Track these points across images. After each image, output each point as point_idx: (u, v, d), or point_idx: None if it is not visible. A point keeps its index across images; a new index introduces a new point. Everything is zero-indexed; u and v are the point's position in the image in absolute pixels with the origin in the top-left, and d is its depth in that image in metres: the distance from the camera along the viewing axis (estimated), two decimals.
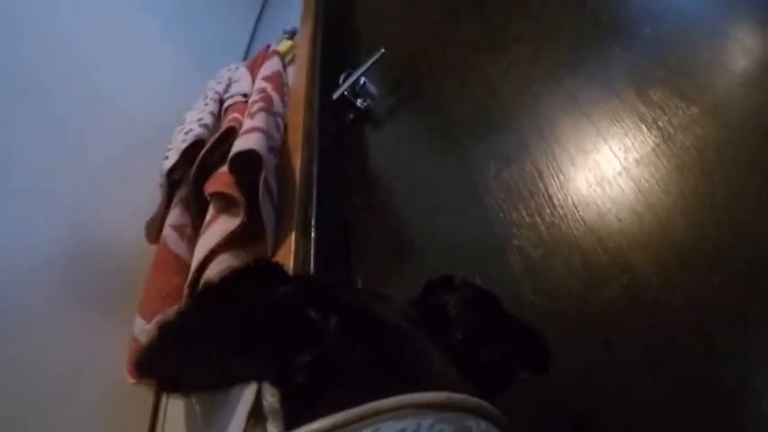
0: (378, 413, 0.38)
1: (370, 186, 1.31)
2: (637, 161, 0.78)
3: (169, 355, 0.49)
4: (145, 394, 1.08)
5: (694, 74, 0.78)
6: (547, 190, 0.89)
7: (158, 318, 0.99)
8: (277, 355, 0.47)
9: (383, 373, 0.46)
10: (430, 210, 1.11)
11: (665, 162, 0.75)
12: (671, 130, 0.76)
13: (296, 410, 0.46)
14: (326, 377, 0.44)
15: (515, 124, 1.01)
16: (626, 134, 0.82)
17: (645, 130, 0.79)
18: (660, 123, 0.78)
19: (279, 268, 0.54)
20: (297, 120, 1.34)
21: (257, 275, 0.52)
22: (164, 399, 1.09)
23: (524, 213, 0.90)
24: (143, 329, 0.98)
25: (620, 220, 0.75)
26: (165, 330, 0.48)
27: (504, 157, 0.99)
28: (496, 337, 0.54)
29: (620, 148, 0.81)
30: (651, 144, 0.77)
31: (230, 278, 0.51)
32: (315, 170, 1.27)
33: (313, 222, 1.18)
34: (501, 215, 0.94)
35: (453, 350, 0.51)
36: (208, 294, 0.52)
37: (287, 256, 1.08)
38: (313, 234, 1.16)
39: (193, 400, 1.02)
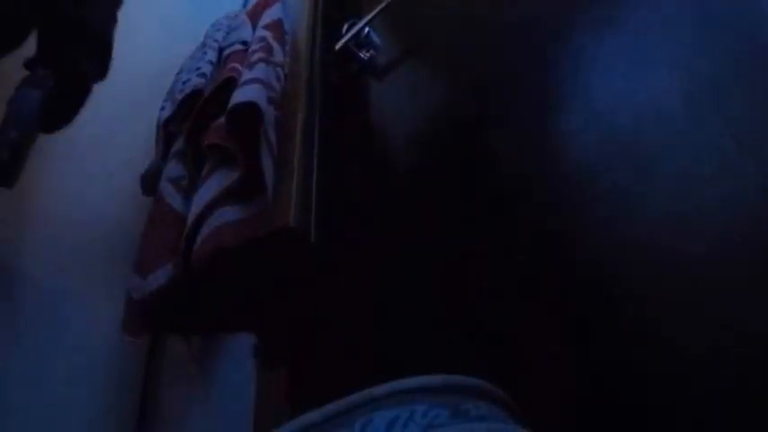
0: (372, 400, 0.37)
1: (371, 139, 1.28)
2: None
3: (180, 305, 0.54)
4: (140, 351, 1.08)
5: None
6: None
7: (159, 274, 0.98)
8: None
9: (368, 355, 0.47)
10: (432, 164, 1.08)
11: None
12: None
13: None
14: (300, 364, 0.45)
15: (524, 80, 0.98)
16: None
17: None
18: None
19: (296, 240, 0.56)
20: (298, 70, 1.30)
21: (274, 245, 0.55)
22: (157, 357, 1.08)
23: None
24: (138, 285, 0.96)
25: None
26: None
27: (510, 113, 0.96)
28: None
29: None
30: None
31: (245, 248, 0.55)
32: (316, 122, 1.24)
33: (314, 176, 1.16)
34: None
35: None
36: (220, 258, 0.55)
37: (287, 210, 1.06)
38: (314, 188, 1.14)
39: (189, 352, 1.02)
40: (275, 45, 1.27)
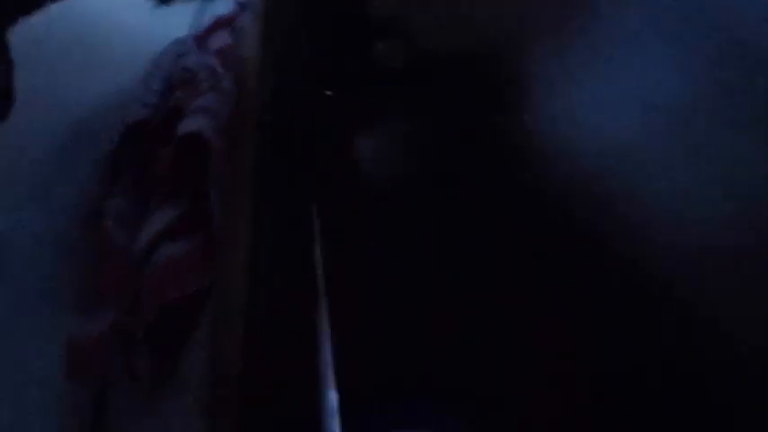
0: None
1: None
2: None
3: None
4: None
5: None
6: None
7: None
8: None
9: None
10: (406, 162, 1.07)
11: None
12: None
13: None
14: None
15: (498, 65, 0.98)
16: None
17: None
18: None
19: None
20: (248, 98, 1.28)
21: None
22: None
23: None
24: (80, 326, 0.93)
25: None
26: None
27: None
28: None
29: None
30: None
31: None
32: (268, 154, 1.22)
33: (266, 209, 1.13)
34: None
35: None
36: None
37: (237, 247, 1.03)
38: (265, 222, 1.11)
39: None
40: (223, 72, 1.24)
